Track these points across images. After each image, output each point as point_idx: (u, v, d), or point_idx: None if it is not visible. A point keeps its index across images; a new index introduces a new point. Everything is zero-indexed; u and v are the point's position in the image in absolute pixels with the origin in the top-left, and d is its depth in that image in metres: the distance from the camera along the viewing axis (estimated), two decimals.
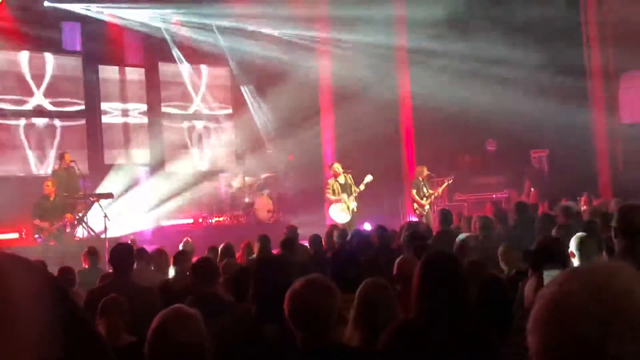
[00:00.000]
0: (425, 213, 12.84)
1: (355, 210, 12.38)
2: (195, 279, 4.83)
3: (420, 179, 13.12)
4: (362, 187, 12.33)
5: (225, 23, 16.50)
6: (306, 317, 2.71)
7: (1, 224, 12.24)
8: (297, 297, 2.73)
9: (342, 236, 8.26)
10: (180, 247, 8.09)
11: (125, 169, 15.32)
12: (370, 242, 7.63)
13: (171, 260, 6.70)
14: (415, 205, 13.00)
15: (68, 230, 11.68)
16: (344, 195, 12.31)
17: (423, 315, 2.87)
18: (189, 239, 9.48)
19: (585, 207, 11.08)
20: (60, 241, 11.12)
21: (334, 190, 12.37)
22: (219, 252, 7.49)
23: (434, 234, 8.27)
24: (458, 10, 14.53)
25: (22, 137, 14.46)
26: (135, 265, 6.53)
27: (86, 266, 7.71)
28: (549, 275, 3.66)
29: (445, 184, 13.62)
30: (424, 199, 12.96)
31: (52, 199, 11.37)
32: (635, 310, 1.01)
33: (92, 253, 7.78)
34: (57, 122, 14.97)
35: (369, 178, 12.37)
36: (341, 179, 12.40)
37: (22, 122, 14.54)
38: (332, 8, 15.79)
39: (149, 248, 8.28)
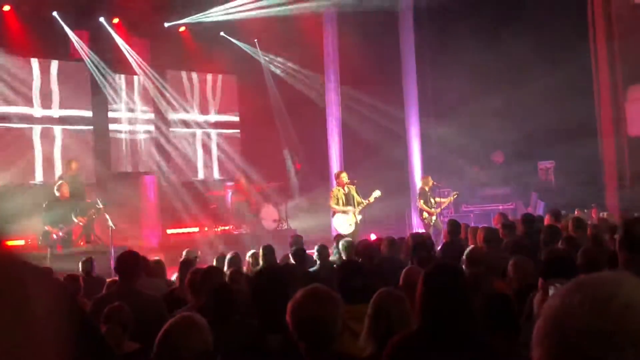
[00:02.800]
0: (433, 222, 12.84)
1: (358, 222, 12.32)
2: (201, 289, 4.84)
3: (427, 189, 13.13)
4: (371, 199, 12.22)
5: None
6: (309, 327, 2.70)
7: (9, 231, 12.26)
8: (299, 307, 2.73)
9: (349, 247, 8.23)
10: (184, 256, 8.08)
11: (132, 177, 15.38)
12: (373, 253, 7.60)
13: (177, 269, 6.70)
14: (425, 214, 13.00)
15: (75, 238, 11.70)
16: (349, 207, 12.27)
17: (426, 327, 2.86)
18: (192, 248, 9.46)
19: (594, 218, 11.06)
20: (67, 246, 11.12)
21: (338, 199, 12.29)
22: (226, 262, 7.50)
23: (442, 244, 8.27)
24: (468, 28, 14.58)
25: (29, 144, 14.53)
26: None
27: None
28: (555, 288, 3.65)
29: (450, 198, 13.57)
30: (432, 209, 12.99)
31: (64, 201, 11.32)
32: (637, 324, 1.00)
33: (85, 263, 7.79)
34: (64, 130, 15.04)
35: (377, 193, 12.26)
36: (345, 189, 12.33)
37: (29, 129, 14.61)
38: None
39: (155, 257, 8.29)
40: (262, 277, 3.56)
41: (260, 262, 7.77)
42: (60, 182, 11.68)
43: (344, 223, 12.25)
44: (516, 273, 4.97)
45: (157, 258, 7.80)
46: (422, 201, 13.03)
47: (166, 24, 16.08)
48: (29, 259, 1.39)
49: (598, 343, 0.99)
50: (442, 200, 13.36)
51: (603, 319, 1.00)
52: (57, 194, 11.35)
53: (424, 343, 2.81)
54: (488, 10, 14.96)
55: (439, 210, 13.05)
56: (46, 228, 11.07)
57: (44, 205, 11.26)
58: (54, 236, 11.08)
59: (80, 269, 7.78)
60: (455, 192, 13.70)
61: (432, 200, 13.05)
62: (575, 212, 11.14)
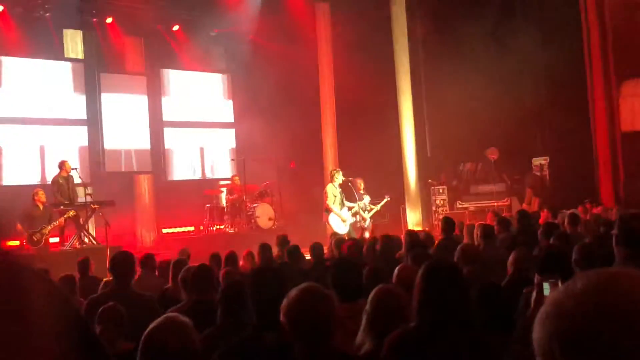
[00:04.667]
0: (367, 226, 12.71)
1: (350, 222, 12.33)
2: (193, 286, 4.83)
3: (361, 193, 12.95)
4: (378, 207, 12.42)
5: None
6: (303, 326, 2.70)
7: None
8: (293, 306, 2.72)
9: (340, 245, 8.23)
10: (178, 256, 8.07)
11: (126, 177, 15.35)
12: (362, 250, 7.62)
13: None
14: (358, 218, 12.79)
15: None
16: (344, 208, 12.28)
17: (424, 324, 2.86)
18: (186, 247, 9.47)
19: (583, 215, 11.06)
20: (45, 250, 11.20)
21: (335, 197, 12.26)
22: (223, 261, 7.49)
23: (437, 242, 8.26)
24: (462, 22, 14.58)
25: (23, 145, 14.48)
26: (139, 272, 6.57)
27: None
28: (551, 284, 3.65)
29: (384, 200, 13.14)
30: (366, 212, 12.78)
31: (41, 208, 11.43)
32: (636, 309, 1.03)
33: (81, 264, 7.76)
34: (58, 130, 15.00)
35: (387, 198, 12.53)
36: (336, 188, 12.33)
37: (23, 130, 14.56)
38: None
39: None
40: (259, 275, 3.56)
41: (257, 260, 7.78)
42: (35, 189, 11.78)
43: (340, 222, 12.25)
44: (516, 264, 4.99)
45: (165, 259, 7.78)
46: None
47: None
48: (25, 260, 1.39)
49: (593, 322, 1.03)
50: (373, 207, 12.90)
51: (601, 300, 1.04)
52: (35, 200, 11.44)
53: (422, 339, 2.81)
54: (482, 6, 14.97)
55: (370, 214, 12.77)
56: (29, 233, 11.12)
57: (22, 214, 11.30)
58: (38, 236, 11.13)
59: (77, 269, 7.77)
60: (388, 196, 13.16)
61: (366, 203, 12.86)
62: (585, 207, 11.14)
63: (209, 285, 4.80)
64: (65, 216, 11.50)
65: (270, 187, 16.02)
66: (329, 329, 2.73)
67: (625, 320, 1.03)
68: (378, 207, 13.00)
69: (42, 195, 11.52)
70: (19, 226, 11.14)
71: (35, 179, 14.21)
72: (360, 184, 12.99)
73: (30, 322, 1.20)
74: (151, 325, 2.69)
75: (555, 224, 7.64)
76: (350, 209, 12.36)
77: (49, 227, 11.26)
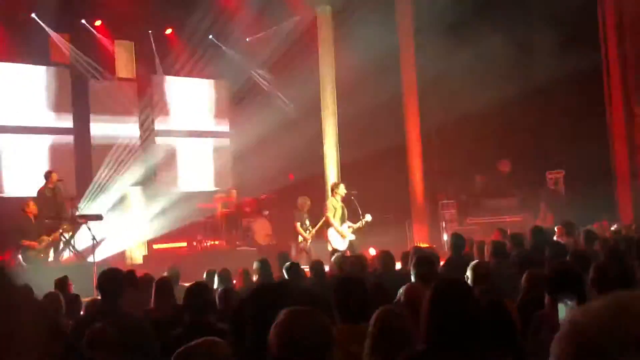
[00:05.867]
0: (308, 247, 12.60)
1: (350, 240, 12.22)
2: (189, 307, 4.78)
3: (304, 212, 12.87)
4: (361, 223, 12.07)
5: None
6: (294, 351, 2.67)
7: None
8: (282, 331, 2.68)
9: (342, 262, 8.21)
10: (165, 273, 8.03)
11: (115, 189, 15.34)
12: (366, 267, 7.62)
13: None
14: (300, 238, 12.74)
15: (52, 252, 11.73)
16: (345, 224, 12.22)
17: (434, 348, 2.86)
18: (176, 266, 9.43)
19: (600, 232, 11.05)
20: (46, 258, 11.21)
21: (335, 210, 12.19)
22: (216, 279, 7.47)
23: (445, 260, 8.25)
24: (475, 28, 14.61)
25: (6, 154, 14.49)
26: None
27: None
28: (566, 306, 3.65)
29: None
30: (307, 232, 12.74)
31: (33, 221, 11.42)
32: None
33: (60, 281, 7.64)
34: (44, 139, 15.01)
35: (368, 218, 12.11)
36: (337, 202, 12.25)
37: (7, 138, 14.58)
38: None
39: (140, 272, 8.23)
40: (258, 294, 3.54)
41: (254, 277, 7.75)
42: (29, 200, 11.76)
43: (339, 238, 12.18)
44: (530, 284, 4.99)
45: (146, 273, 7.75)
46: (298, 224, 12.71)
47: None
48: (14, 276, 1.39)
49: (609, 343, 1.08)
50: (312, 228, 12.74)
51: (617, 321, 1.10)
52: (26, 212, 11.44)
53: None
54: (495, 13, 15.00)
55: (311, 234, 12.66)
56: (25, 244, 11.12)
57: (15, 227, 11.32)
58: (34, 250, 11.14)
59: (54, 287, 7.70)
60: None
61: (308, 223, 12.74)
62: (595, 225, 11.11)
63: (205, 306, 4.74)
64: (60, 230, 11.50)
65: (268, 201, 16.00)
66: (323, 353, 2.68)
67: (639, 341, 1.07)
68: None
69: (33, 207, 11.47)
70: (24, 242, 11.13)
71: (19, 191, 14.19)
72: (305, 202, 12.86)
73: (16, 343, 1.21)
74: (190, 346, 2.71)
75: (562, 245, 7.63)
76: (349, 227, 12.27)
77: (45, 242, 11.26)
